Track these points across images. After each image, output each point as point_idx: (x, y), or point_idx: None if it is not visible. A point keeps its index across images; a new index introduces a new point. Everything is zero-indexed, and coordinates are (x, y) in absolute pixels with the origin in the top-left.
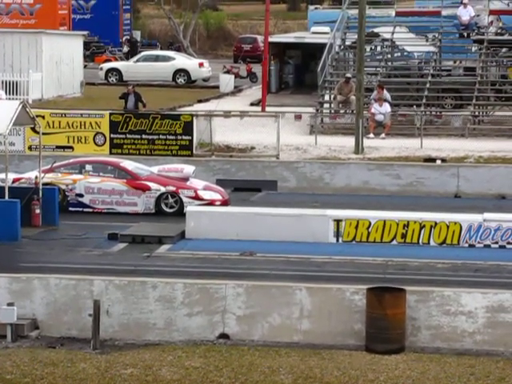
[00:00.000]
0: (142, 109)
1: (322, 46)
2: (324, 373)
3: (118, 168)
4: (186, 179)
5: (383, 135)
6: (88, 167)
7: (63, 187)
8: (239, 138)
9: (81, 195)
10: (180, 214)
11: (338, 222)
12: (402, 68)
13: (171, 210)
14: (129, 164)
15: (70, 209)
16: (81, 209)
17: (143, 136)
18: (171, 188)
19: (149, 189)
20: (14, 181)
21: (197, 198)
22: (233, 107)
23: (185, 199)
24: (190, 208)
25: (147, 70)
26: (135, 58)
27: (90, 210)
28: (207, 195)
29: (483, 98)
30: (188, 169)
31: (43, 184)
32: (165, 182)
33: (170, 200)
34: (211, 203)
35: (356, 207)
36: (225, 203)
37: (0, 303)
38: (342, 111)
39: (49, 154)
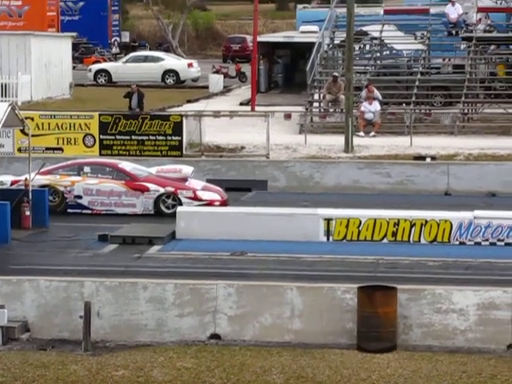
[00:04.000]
0: (136, 110)
1: (310, 45)
2: (316, 372)
3: (116, 169)
4: (184, 180)
5: (373, 133)
6: (86, 169)
7: (62, 189)
8: (229, 138)
9: (79, 197)
10: None
11: (328, 220)
12: (390, 66)
13: (170, 211)
14: (127, 165)
15: (69, 210)
16: (79, 210)
17: (133, 137)
18: (170, 189)
19: (147, 190)
20: (13, 183)
21: (196, 198)
22: (222, 107)
23: (184, 200)
24: (180, 208)
25: (136, 70)
26: (124, 59)
27: (89, 211)
28: (206, 195)
29: (472, 96)
30: (186, 169)
31: (41, 186)
32: (163, 182)
33: (169, 201)
34: (210, 203)
35: (346, 206)
36: (223, 203)
37: None
38: (331, 110)
39: (38, 156)
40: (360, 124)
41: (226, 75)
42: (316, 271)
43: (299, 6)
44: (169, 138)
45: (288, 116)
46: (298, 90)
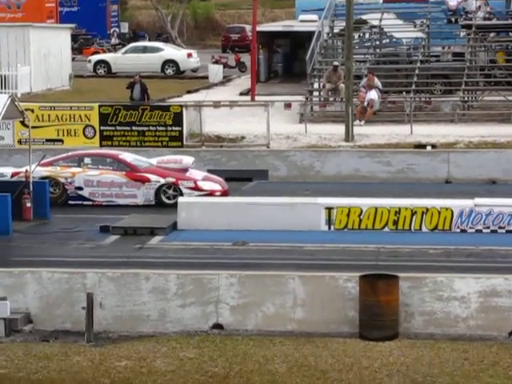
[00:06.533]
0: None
1: (310, 34)
2: (318, 361)
3: (116, 160)
4: (185, 170)
5: (363, 122)
6: (87, 160)
7: (62, 180)
8: (229, 128)
9: (80, 188)
10: None
11: (329, 209)
12: (390, 55)
13: (171, 202)
14: (128, 156)
15: (70, 202)
16: (80, 202)
17: (133, 128)
18: (171, 179)
19: (148, 180)
20: (13, 175)
21: (196, 188)
22: (222, 97)
23: (185, 190)
24: (182, 199)
25: (136, 61)
26: (123, 50)
27: (90, 202)
28: (207, 186)
29: (472, 84)
30: (187, 160)
31: (42, 178)
32: (164, 173)
33: (170, 191)
34: (211, 194)
35: (347, 195)
36: (224, 194)
37: None
38: (331, 99)
39: (39, 148)
40: (357, 111)
41: (225, 65)
42: (318, 260)
43: None
44: (169, 128)
45: (288, 105)
46: (298, 80)
